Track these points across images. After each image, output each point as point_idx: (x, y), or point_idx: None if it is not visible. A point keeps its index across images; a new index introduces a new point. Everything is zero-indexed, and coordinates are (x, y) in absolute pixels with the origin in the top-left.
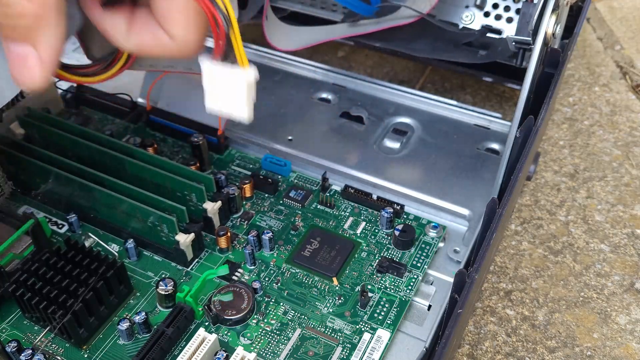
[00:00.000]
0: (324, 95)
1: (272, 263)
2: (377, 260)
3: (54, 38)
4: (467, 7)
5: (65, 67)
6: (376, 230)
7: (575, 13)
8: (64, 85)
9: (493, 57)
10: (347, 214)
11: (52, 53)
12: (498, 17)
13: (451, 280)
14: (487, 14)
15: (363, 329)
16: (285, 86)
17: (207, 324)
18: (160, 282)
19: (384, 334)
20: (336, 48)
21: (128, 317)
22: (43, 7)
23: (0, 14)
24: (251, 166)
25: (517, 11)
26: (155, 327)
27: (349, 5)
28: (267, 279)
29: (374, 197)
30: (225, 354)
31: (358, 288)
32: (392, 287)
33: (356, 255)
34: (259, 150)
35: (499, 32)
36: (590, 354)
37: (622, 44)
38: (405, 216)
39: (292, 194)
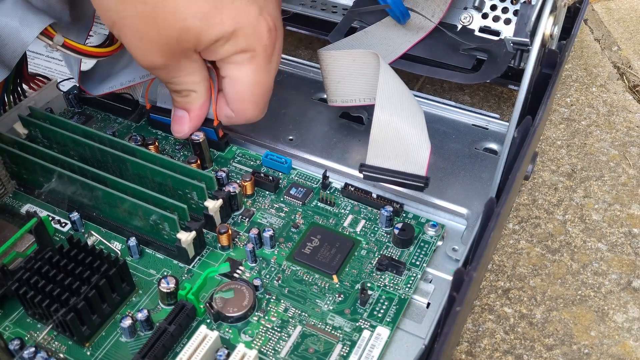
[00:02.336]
0: (324, 96)
1: (272, 261)
2: (377, 258)
3: (202, 111)
4: (465, 8)
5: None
6: (376, 229)
7: (572, 14)
8: (66, 85)
9: (488, 76)
10: (347, 212)
11: (198, 118)
12: (496, 19)
13: (450, 278)
14: (485, 16)
15: (363, 327)
16: (286, 87)
17: (208, 321)
18: (162, 280)
19: (383, 331)
20: None
21: (130, 314)
22: (198, 97)
23: (175, 99)
24: (252, 163)
25: (515, 13)
26: (157, 324)
27: (395, 7)
28: (267, 277)
29: (374, 195)
30: (226, 351)
31: (358, 286)
32: (391, 285)
33: (356, 253)
34: (260, 150)
35: (497, 33)
36: (588, 351)
37: (619, 45)
38: (404, 215)
39: (292, 192)
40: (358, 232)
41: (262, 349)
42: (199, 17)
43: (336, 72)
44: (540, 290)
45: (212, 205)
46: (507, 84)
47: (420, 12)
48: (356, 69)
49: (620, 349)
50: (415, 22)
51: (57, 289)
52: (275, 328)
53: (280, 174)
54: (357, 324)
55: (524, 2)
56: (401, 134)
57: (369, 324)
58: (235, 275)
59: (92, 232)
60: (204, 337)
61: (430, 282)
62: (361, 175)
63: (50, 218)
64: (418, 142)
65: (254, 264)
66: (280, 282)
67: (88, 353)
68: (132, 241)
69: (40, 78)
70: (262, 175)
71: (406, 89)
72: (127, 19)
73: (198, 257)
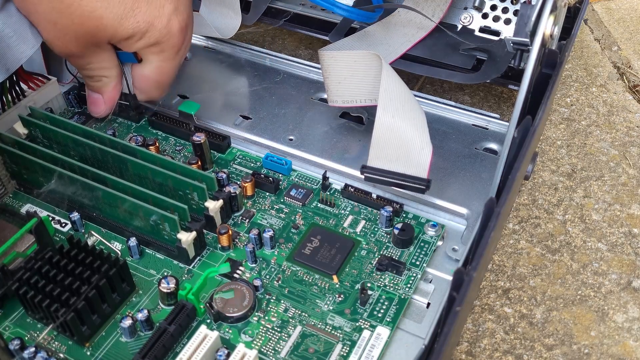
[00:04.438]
0: (324, 96)
1: (273, 261)
2: (377, 259)
3: (115, 93)
4: (465, 8)
5: None
6: (376, 229)
7: (572, 14)
8: (66, 85)
9: (488, 76)
10: (347, 212)
11: (112, 99)
12: (496, 19)
13: (450, 278)
14: (485, 16)
15: (363, 327)
16: (286, 87)
17: (208, 321)
18: (163, 280)
19: (383, 331)
20: None
21: (130, 314)
22: (110, 81)
23: (88, 83)
24: (252, 165)
25: (515, 13)
26: (157, 324)
27: (353, 16)
28: (268, 277)
29: (374, 196)
30: (226, 351)
31: (358, 286)
32: (391, 285)
33: (356, 254)
34: (260, 150)
35: (497, 33)
36: (588, 351)
37: (619, 45)
38: (404, 215)
39: (292, 193)
40: (358, 233)
41: (262, 349)
42: (114, 18)
43: (337, 72)
44: (540, 290)
45: (213, 206)
46: (507, 84)
47: (420, 11)
48: (358, 70)
49: (620, 349)
50: (415, 22)
51: (57, 289)
52: (275, 328)
53: (280, 175)
54: (357, 324)
55: (524, 2)
56: (403, 136)
57: (369, 324)
58: (236, 275)
59: (93, 232)
60: (204, 337)
61: (430, 282)
62: (361, 176)
63: (50, 218)
64: (420, 144)
65: (254, 265)
66: (280, 282)
67: (88, 353)
68: (133, 241)
69: (39, 77)
70: (262, 176)
71: (408, 91)
72: (43, 13)
73: (198, 258)
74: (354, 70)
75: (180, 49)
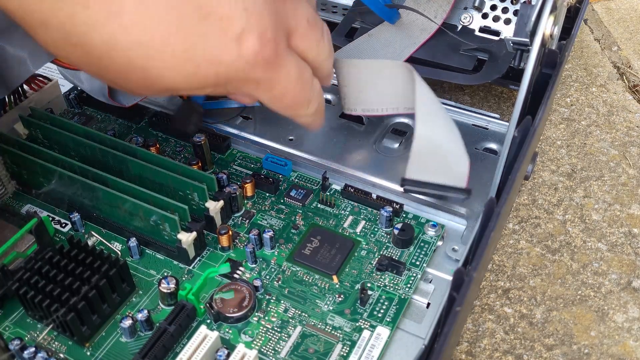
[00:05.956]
0: (325, 96)
1: (273, 261)
2: (377, 259)
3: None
4: (465, 8)
5: None
6: (376, 229)
7: (572, 14)
8: (67, 85)
9: (489, 76)
10: (347, 212)
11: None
12: (496, 19)
13: (450, 278)
14: (485, 16)
15: (363, 327)
16: None
17: (208, 321)
18: (163, 280)
19: (383, 331)
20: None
21: (130, 314)
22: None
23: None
24: (252, 166)
25: (515, 13)
26: (157, 324)
27: (378, 12)
28: (268, 277)
29: (374, 196)
30: (226, 351)
31: (358, 286)
32: (391, 285)
33: (356, 254)
34: (260, 150)
35: (497, 33)
36: (588, 351)
37: (619, 45)
38: (404, 215)
39: (292, 193)
40: (358, 233)
41: (262, 349)
42: (182, 79)
43: (358, 81)
44: (540, 290)
45: (213, 207)
46: (507, 84)
47: (423, 13)
48: (382, 79)
49: (620, 349)
50: (417, 24)
51: (57, 289)
52: (275, 328)
53: (280, 176)
54: (357, 324)
55: (524, 2)
56: (442, 148)
57: (369, 324)
58: (236, 276)
59: (93, 233)
60: (204, 337)
61: (430, 282)
62: (361, 175)
63: (50, 218)
64: (458, 155)
65: (254, 265)
66: (280, 282)
67: (88, 353)
68: (133, 242)
69: (40, 78)
70: (262, 177)
71: (440, 103)
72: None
73: (198, 258)
74: (377, 79)
75: (284, 59)
